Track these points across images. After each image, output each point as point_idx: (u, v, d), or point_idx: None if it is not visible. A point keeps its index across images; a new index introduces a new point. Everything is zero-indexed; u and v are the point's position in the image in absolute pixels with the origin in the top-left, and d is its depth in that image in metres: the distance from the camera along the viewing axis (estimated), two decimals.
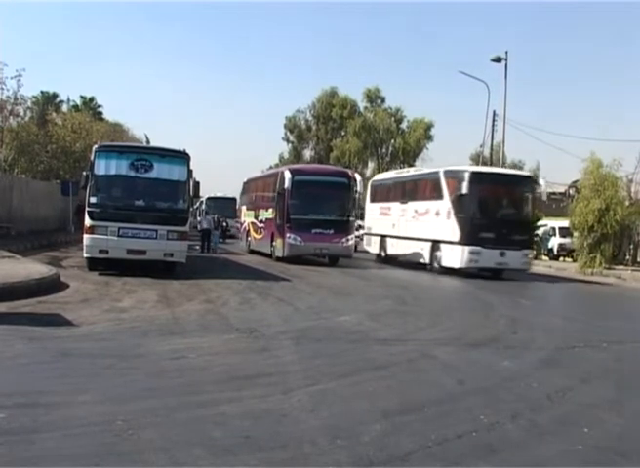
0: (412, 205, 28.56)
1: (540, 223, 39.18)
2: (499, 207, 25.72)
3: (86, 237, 18.06)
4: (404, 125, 76.21)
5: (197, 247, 32.23)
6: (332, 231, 27.02)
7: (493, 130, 45.08)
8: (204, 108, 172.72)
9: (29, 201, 32.26)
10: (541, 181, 29.79)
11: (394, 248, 30.49)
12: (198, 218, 41.46)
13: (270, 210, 29.82)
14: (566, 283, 26.32)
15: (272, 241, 28.91)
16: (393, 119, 75.91)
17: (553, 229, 41.70)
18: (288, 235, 26.92)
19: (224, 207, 49.23)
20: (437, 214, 25.88)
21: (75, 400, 6.39)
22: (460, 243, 24.44)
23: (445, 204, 25.38)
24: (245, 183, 39.63)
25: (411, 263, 28.32)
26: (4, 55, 41.07)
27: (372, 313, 13.81)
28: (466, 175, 24.80)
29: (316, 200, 27.57)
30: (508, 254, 24.23)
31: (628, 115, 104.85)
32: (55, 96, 66.54)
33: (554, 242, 41.73)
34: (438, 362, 9.30)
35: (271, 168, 67.05)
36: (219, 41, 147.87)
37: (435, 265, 26.04)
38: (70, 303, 12.71)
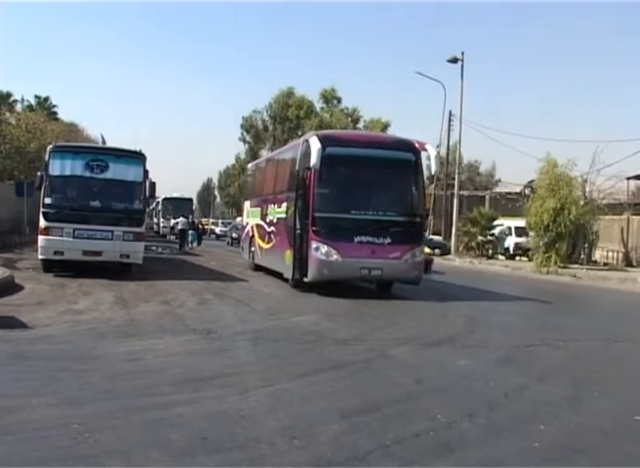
0: None
1: (496, 223, 39.82)
2: None
3: (41, 238, 17.88)
4: (361, 125, 76.93)
5: (154, 248, 32.14)
6: (388, 240, 17.02)
7: (449, 129, 45.57)
8: (160, 108, 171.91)
9: None
10: None
11: None
12: (176, 220, 41.83)
13: (285, 204, 19.31)
14: (521, 282, 26.59)
15: (288, 254, 18.37)
16: (350, 119, 76.48)
17: (509, 229, 42.11)
18: (314, 245, 16.76)
19: (181, 207, 49.03)
20: None
21: (30, 403, 6.29)
22: None
23: None
24: (249, 170, 30.14)
25: None
26: None
27: (329, 313, 13.82)
28: None
29: (362, 187, 17.70)
30: None
31: (583, 116, 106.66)
32: (8, 95, 65.52)
33: (510, 241, 42.09)
34: (396, 361, 9.34)
35: (231, 168, 66.29)
36: (175, 41, 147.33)
37: None
38: (25, 305, 12.55)
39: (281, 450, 5.36)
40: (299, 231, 17.36)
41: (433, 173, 18.54)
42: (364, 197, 17.54)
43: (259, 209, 23.65)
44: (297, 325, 12.15)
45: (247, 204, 27.06)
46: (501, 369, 9.28)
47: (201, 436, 5.58)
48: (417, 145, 18.09)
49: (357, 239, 16.75)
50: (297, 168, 17.98)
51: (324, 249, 16.60)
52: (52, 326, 10.66)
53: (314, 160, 16.25)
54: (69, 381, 7.31)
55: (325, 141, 16.73)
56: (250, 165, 30.80)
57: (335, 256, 16.60)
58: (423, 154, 17.74)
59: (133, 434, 5.60)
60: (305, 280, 17.13)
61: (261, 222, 22.75)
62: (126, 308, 13.07)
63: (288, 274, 18.36)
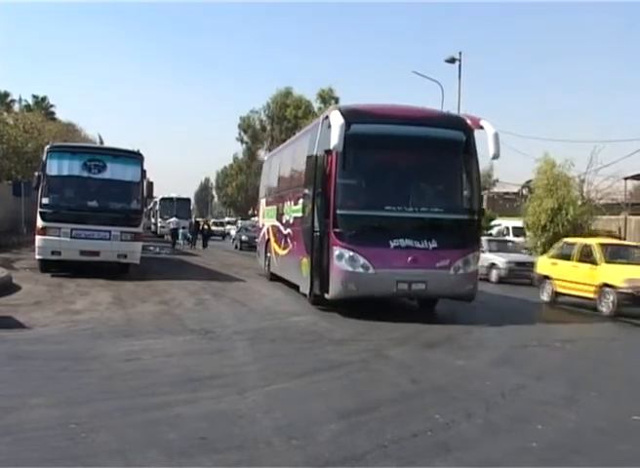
0: None
1: (493, 223, 39.79)
2: None
3: (38, 238, 17.84)
4: None
5: (151, 248, 32.10)
6: (434, 244, 13.16)
7: None
8: (158, 108, 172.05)
9: None
10: None
11: None
12: (168, 220, 41.81)
13: (302, 201, 15.31)
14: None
15: (305, 262, 14.52)
16: None
17: (507, 229, 42.06)
18: (337, 252, 13.01)
19: (179, 208, 48.97)
20: None
21: (28, 403, 6.30)
22: None
23: None
24: (265, 161, 24.72)
25: None
26: None
27: (326, 314, 13.78)
28: None
29: (398, 176, 13.86)
30: None
31: (581, 116, 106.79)
32: (6, 95, 65.37)
33: None
34: (393, 361, 9.35)
35: (229, 168, 65.06)
36: (172, 40, 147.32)
37: None
38: (22, 305, 12.53)
39: (279, 450, 5.37)
40: (317, 233, 13.63)
41: (492, 156, 13.80)
42: (401, 189, 13.82)
43: (274, 207, 19.56)
44: (294, 325, 12.15)
45: (262, 202, 22.73)
46: (499, 369, 9.30)
47: (199, 436, 5.58)
48: (469, 122, 14.22)
49: (393, 243, 13.01)
50: (315, 152, 14.29)
51: (351, 256, 12.89)
52: (49, 326, 10.66)
53: (335, 140, 12.45)
54: (67, 381, 7.31)
55: (350, 117, 12.95)
56: (267, 156, 26.78)
57: (365, 266, 12.92)
58: (478, 133, 14.12)
59: (131, 434, 5.61)
60: (327, 296, 13.48)
61: (277, 223, 18.73)
62: (124, 308, 13.06)
63: (305, 288, 14.68)
